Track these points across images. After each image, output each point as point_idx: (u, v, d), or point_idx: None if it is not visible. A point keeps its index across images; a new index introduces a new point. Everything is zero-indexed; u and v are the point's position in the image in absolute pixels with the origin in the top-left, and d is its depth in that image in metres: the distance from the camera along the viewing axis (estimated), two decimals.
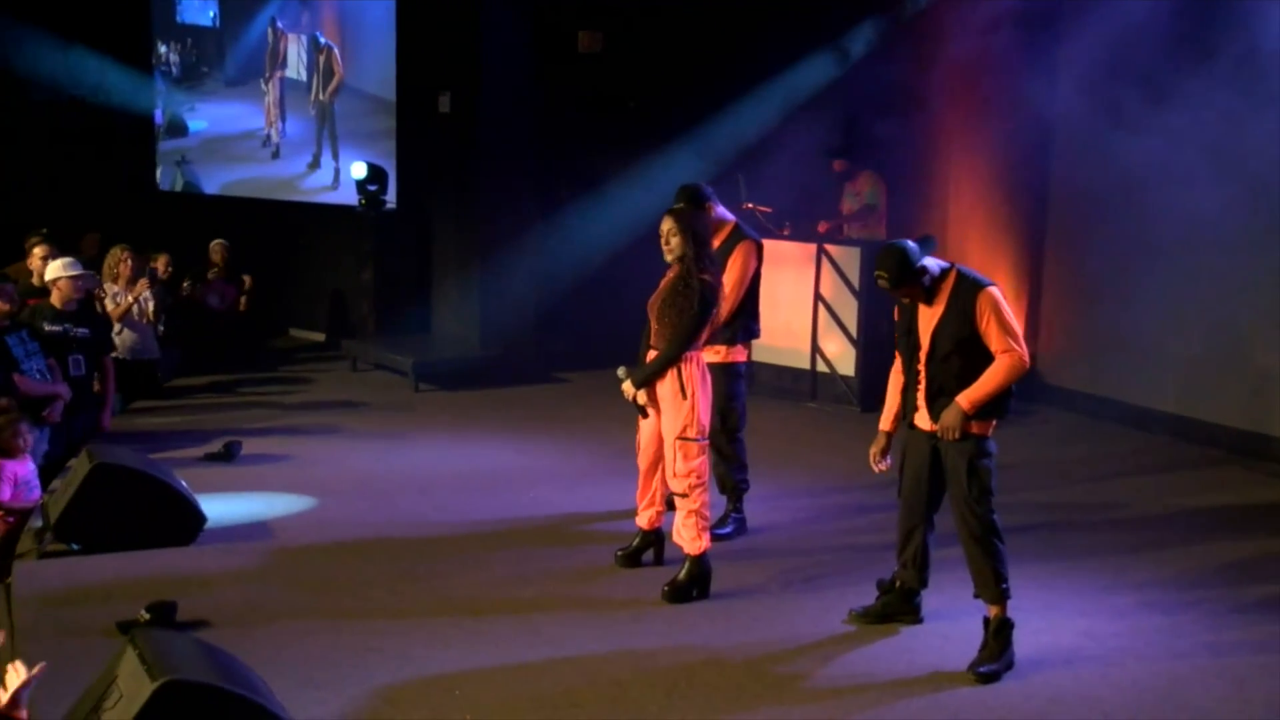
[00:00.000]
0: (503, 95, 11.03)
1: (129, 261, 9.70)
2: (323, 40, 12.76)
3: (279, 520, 6.98)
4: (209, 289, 11.62)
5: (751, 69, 10.81)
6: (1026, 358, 5.05)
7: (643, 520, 6.21)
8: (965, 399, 5.03)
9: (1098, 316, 9.79)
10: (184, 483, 6.73)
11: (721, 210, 6.74)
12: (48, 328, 7.95)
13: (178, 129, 14.23)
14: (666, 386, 5.80)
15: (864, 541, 6.64)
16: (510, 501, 7.38)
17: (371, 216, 11.61)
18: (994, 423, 5.12)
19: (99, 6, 13.13)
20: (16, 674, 3.33)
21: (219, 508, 6.87)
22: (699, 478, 5.79)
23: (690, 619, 5.63)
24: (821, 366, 10.05)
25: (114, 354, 8.78)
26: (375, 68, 12.25)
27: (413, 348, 10.98)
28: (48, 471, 7.27)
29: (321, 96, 12.77)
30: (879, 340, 9.24)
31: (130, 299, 9.57)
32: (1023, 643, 5.20)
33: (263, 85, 13.39)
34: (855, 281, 9.76)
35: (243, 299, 11.75)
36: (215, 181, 13.96)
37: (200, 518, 6.54)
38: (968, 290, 5.06)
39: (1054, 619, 5.64)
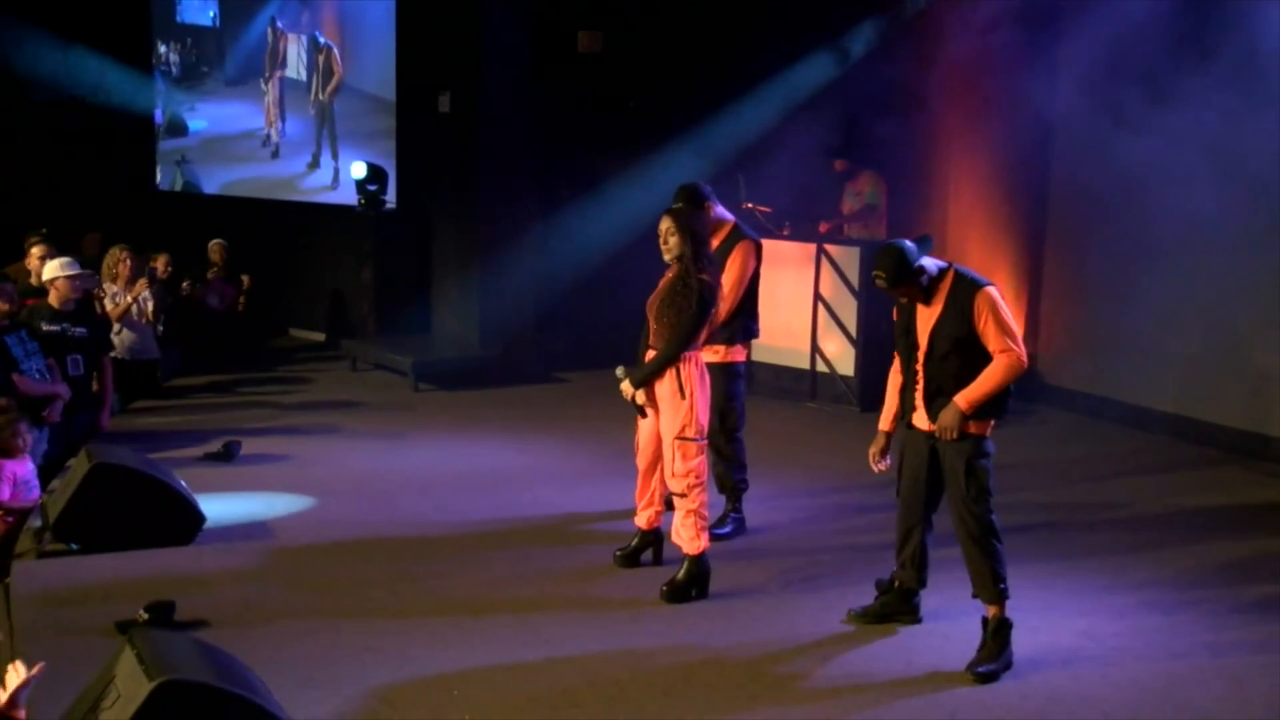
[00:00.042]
0: (503, 95, 11.02)
1: (128, 261, 9.68)
2: (322, 40, 12.74)
3: (278, 520, 6.98)
4: (208, 289, 11.62)
5: (751, 69, 10.79)
6: (1024, 358, 5.05)
7: (641, 520, 6.22)
8: (963, 399, 5.03)
9: (1098, 316, 9.78)
10: (183, 482, 6.73)
11: (721, 210, 6.74)
12: (45, 327, 7.95)
13: (177, 129, 14.21)
14: (665, 386, 5.81)
15: (863, 541, 6.64)
16: (510, 501, 7.38)
17: (371, 216, 11.60)
18: (992, 423, 5.13)
19: (99, 6, 13.11)
20: (16, 674, 3.33)
21: (218, 508, 6.87)
22: (698, 478, 5.79)
23: (689, 619, 5.63)
24: (821, 366, 10.04)
25: (113, 354, 8.79)
26: (375, 67, 12.24)
27: (412, 348, 10.98)
28: (47, 471, 7.27)
29: (321, 96, 12.76)
30: (878, 340, 9.23)
31: (129, 299, 9.56)
32: (1021, 642, 5.20)
33: (262, 85, 13.38)
34: (855, 281, 9.76)
35: (242, 299, 11.77)
36: (215, 181, 13.95)
37: (199, 518, 6.54)
38: (965, 290, 5.06)
39: (1053, 619, 5.64)
